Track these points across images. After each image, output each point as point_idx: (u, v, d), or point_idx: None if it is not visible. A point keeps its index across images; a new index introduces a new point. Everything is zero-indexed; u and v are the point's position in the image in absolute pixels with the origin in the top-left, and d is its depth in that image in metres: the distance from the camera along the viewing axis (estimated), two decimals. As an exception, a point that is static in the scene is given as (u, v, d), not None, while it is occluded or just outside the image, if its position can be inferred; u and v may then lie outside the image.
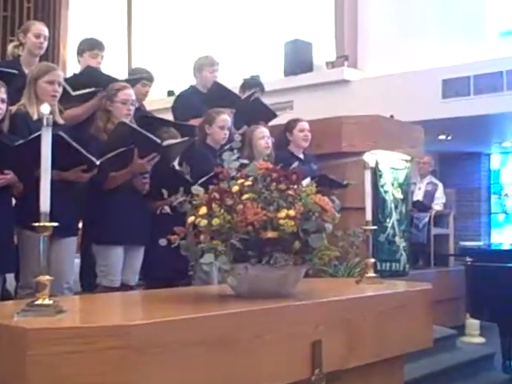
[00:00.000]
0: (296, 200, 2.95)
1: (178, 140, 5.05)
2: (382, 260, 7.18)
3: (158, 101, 10.95)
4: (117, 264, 4.78)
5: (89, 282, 5.18)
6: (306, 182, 3.68)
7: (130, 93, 4.95)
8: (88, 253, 5.02)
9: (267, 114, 6.63)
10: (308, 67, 12.48)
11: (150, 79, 6.19)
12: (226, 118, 5.52)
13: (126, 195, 4.77)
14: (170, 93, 13.47)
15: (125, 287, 4.77)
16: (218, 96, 5.87)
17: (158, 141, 4.61)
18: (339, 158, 7.02)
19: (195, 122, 5.76)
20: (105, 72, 5.50)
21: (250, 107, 6.25)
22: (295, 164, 4.92)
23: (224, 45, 12.73)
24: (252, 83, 7.04)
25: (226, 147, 4.29)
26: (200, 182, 4.06)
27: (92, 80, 5.21)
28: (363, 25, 12.23)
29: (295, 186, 3.01)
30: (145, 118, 5.26)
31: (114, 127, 4.73)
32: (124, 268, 4.86)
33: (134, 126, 4.65)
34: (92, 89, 5.17)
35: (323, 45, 12.53)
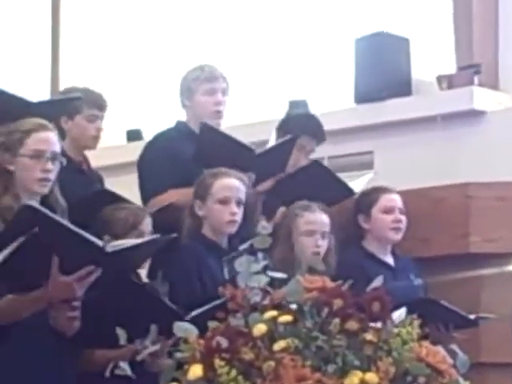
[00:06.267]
0: (381, 353, 2.16)
1: (141, 239, 2.86)
2: None
3: (109, 150, 6.46)
4: None
5: None
6: (401, 314, 2.48)
7: (50, 137, 2.73)
8: None
9: (329, 189, 3.67)
10: (402, 86, 6.61)
11: (101, 106, 3.69)
12: (232, 182, 3.26)
13: (32, 341, 2.77)
14: (133, 135, 7.47)
15: None
16: (214, 150, 3.45)
17: (99, 243, 2.57)
18: (464, 266, 4.32)
19: (179, 194, 3.39)
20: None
21: (296, 177, 3.64)
22: (379, 279, 2.73)
23: (241, 49, 6.99)
24: (296, 121, 3.98)
25: (243, 246, 2.82)
26: (193, 314, 2.66)
27: None
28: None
29: (379, 325, 2.21)
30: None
31: (16, 210, 2.62)
32: None
33: (54, 216, 2.50)
34: None
35: (429, 43, 6.33)
